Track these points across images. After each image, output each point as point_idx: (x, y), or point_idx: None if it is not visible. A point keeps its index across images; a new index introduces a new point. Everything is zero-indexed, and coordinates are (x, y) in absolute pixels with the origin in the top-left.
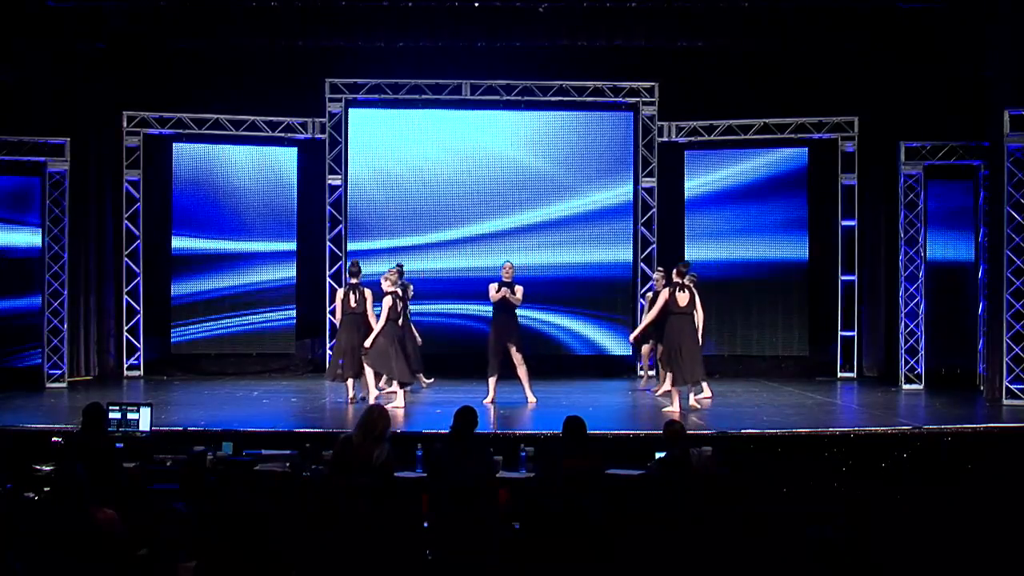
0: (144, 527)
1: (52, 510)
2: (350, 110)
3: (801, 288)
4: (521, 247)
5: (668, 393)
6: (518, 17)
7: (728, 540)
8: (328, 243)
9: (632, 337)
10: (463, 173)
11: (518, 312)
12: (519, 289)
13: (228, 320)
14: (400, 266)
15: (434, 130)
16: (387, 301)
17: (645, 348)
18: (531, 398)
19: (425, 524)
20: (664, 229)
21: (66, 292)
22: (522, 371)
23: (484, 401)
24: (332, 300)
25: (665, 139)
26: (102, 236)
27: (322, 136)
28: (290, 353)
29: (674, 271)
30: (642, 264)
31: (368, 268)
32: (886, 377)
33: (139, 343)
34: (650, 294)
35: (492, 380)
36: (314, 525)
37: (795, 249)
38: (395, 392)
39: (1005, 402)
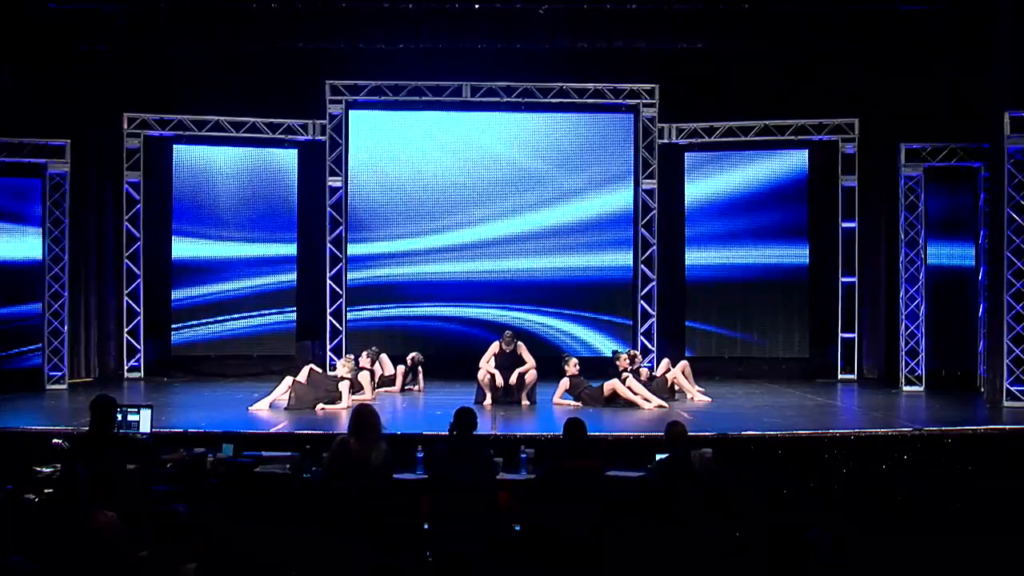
0: (144, 529)
1: (53, 512)
2: (350, 112)
3: (801, 290)
4: (520, 249)
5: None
6: (518, 19)
7: (728, 542)
8: (328, 245)
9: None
10: (463, 175)
11: (517, 315)
12: (527, 356)
13: (228, 322)
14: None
15: (434, 132)
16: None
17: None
18: (525, 401)
19: (425, 526)
20: (664, 231)
21: (66, 294)
22: (531, 377)
23: (484, 404)
24: (333, 303)
25: (665, 141)
26: (102, 238)
27: (322, 138)
28: (290, 355)
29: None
30: (642, 266)
31: (368, 272)
32: (886, 379)
33: (139, 345)
34: (645, 371)
35: (489, 396)
36: (314, 526)
37: (795, 251)
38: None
39: (1005, 404)
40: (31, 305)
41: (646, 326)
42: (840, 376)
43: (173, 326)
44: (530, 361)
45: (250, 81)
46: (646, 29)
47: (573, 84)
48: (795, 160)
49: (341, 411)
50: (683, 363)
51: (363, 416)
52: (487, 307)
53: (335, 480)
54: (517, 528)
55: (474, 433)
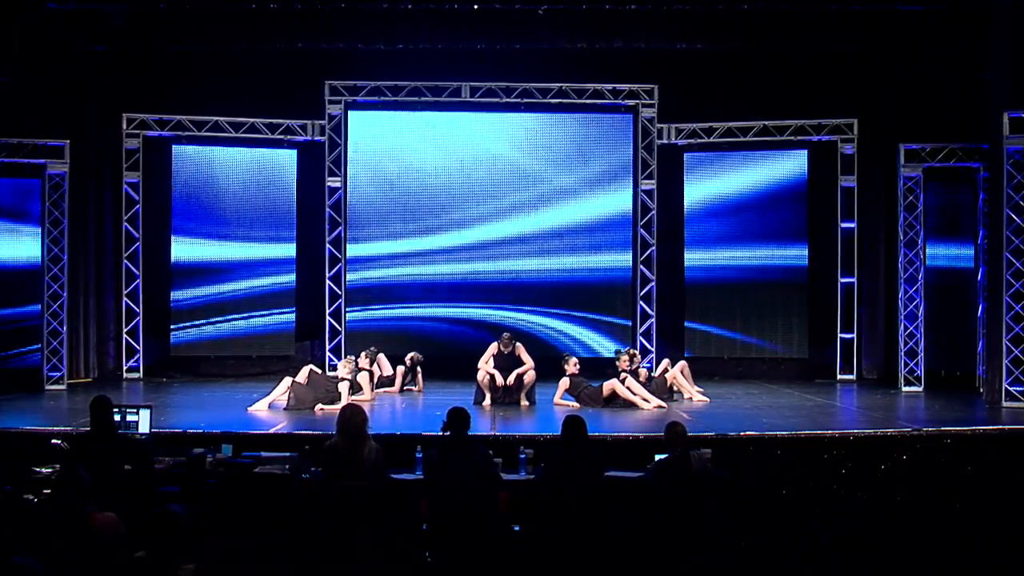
0: (143, 529)
1: (51, 512)
2: (350, 112)
3: (800, 290)
4: (519, 250)
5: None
6: (518, 19)
7: (728, 542)
8: (328, 245)
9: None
10: (462, 175)
11: (516, 315)
12: (526, 357)
13: (227, 322)
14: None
15: (433, 132)
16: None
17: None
18: (524, 402)
19: (424, 526)
20: (663, 231)
21: (65, 294)
22: (529, 377)
23: (483, 404)
24: (332, 303)
25: (664, 141)
26: (101, 238)
27: (322, 138)
28: (289, 355)
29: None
30: (642, 266)
31: (368, 272)
32: (885, 379)
33: (138, 345)
34: (644, 371)
35: (488, 396)
36: (313, 526)
37: (794, 251)
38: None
39: (1004, 404)
40: (30, 306)
41: (645, 326)
42: (839, 376)
43: (172, 326)
44: (529, 362)
45: (249, 81)
46: (646, 29)
47: (572, 84)
48: (794, 160)
49: None
50: (682, 363)
51: (347, 417)
52: (486, 307)
53: (330, 483)
54: (516, 528)
55: (470, 432)
